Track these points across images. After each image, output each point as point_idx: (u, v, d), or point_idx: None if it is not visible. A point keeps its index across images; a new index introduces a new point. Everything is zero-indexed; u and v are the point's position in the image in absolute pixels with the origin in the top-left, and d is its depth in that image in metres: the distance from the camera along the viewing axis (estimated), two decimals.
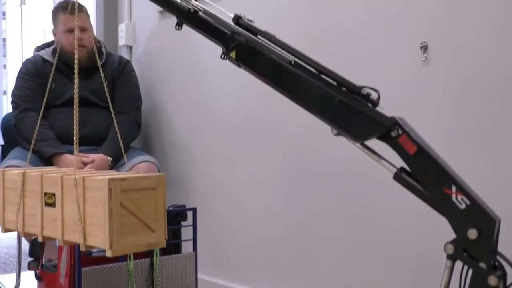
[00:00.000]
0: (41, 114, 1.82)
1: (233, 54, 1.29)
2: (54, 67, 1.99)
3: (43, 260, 2.00)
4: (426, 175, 1.15)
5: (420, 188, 1.17)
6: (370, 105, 1.19)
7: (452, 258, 1.13)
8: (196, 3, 1.36)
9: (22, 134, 2.62)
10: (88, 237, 1.40)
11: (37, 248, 1.97)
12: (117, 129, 1.76)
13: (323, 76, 1.23)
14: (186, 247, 2.04)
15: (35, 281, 2.06)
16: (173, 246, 1.98)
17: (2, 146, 2.84)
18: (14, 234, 1.98)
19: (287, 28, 2.22)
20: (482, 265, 1.10)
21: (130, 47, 3.14)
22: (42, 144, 2.51)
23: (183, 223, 2.01)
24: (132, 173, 1.51)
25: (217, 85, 2.58)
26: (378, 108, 1.19)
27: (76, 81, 1.54)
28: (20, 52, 4.51)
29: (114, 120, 1.79)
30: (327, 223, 2.11)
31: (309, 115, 1.25)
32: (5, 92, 4.72)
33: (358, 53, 2.00)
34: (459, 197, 1.12)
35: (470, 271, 1.12)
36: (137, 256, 1.83)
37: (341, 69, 1.98)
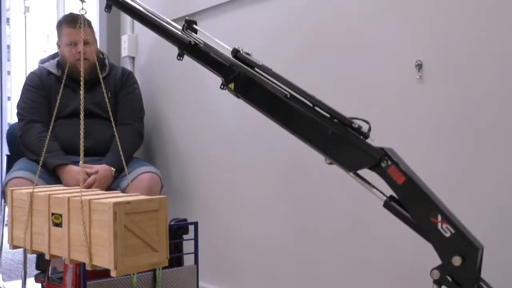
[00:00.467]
0: (51, 126, 1.87)
1: (231, 86, 1.36)
2: (63, 81, 2.04)
3: (49, 272, 2.07)
4: (413, 204, 1.22)
5: (408, 216, 1.24)
6: (361, 137, 1.26)
7: (438, 283, 1.20)
8: (197, 36, 1.43)
9: (27, 146, 2.68)
10: (93, 257, 1.46)
11: (43, 262, 2.04)
12: (117, 139, 1.86)
13: (317, 108, 1.30)
14: (188, 260, 2.10)
15: None
16: (175, 259, 2.05)
17: (8, 156, 2.91)
18: None
19: (286, 45, 2.29)
20: None
21: (133, 58, 3.20)
22: (47, 156, 2.56)
23: (185, 236, 2.08)
24: (135, 195, 1.57)
25: (219, 96, 2.61)
26: (368, 140, 1.26)
27: (82, 94, 1.63)
28: (24, 58, 4.57)
29: (115, 130, 1.88)
30: (326, 237, 2.15)
31: None
32: (9, 98, 4.77)
33: (353, 71, 2.05)
34: (444, 225, 1.18)
35: None
36: None
37: (337, 87, 2.08)
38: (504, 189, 1.64)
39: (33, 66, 2.95)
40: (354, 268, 2.07)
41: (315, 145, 1.29)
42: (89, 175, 2.58)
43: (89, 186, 2.56)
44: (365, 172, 1.29)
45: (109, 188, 2.63)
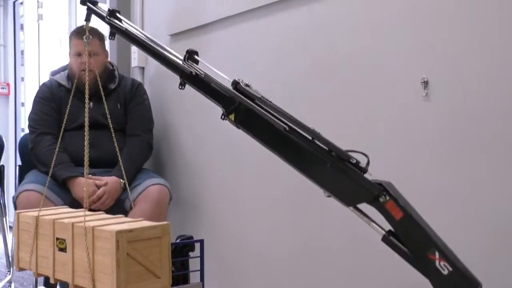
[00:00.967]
0: (59, 138, 1.91)
1: (232, 117, 1.37)
2: (72, 94, 2.07)
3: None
4: (411, 240, 1.22)
5: (406, 251, 1.24)
6: (359, 171, 1.26)
7: None
8: (198, 67, 1.44)
9: (38, 158, 2.71)
10: (97, 283, 1.48)
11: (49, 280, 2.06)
12: (120, 153, 1.91)
13: (316, 141, 1.30)
14: (194, 277, 2.12)
15: None
16: (181, 277, 2.06)
17: (20, 166, 2.94)
18: None
19: (291, 60, 2.29)
20: None
21: (142, 68, 3.22)
22: (56, 168, 2.59)
23: (191, 253, 2.09)
24: (139, 221, 1.58)
25: None
26: (366, 175, 1.26)
27: (87, 106, 1.71)
28: (37, 65, 4.63)
29: (115, 143, 1.91)
30: (333, 253, 2.16)
31: None
32: (23, 104, 4.83)
33: (359, 88, 2.05)
34: (442, 263, 1.18)
35: None
36: None
37: (343, 105, 2.07)
38: None
39: (47, 70, 2.97)
40: (359, 282, 2.07)
41: (313, 179, 1.29)
42: (98, 187, 2.60)
43: (98, 198, 2.59)
44: (364, 205, 1.29)
45: (118, 199, 2.65)
